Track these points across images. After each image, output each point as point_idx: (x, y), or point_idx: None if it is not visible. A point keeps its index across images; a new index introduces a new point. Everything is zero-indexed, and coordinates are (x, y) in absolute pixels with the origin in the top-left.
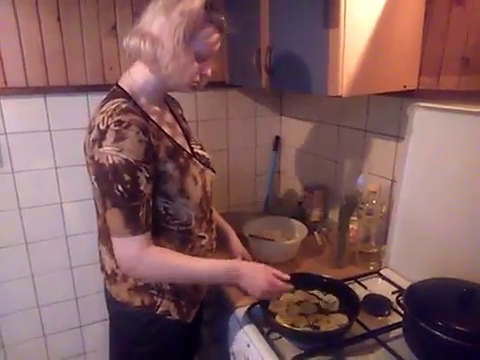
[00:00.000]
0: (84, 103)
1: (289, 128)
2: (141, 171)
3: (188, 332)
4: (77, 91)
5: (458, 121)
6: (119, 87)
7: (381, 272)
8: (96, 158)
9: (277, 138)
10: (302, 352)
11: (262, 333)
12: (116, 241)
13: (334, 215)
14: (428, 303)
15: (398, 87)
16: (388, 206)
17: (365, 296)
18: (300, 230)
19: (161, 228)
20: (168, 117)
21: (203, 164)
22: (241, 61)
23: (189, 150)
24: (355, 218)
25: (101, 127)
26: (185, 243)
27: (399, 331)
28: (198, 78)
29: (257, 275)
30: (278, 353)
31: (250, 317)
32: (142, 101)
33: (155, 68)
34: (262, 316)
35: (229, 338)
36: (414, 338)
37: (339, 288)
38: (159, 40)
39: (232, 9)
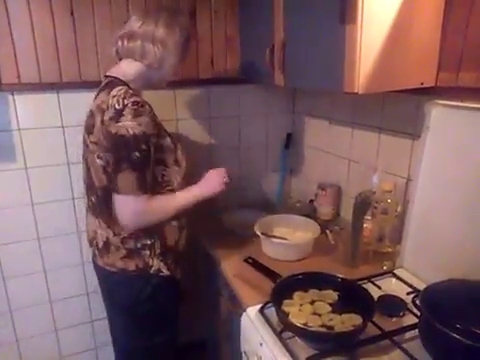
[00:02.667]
0: None
1: (301, 125)
2: (151, 143)
3: (177, 287)
4: (90, 87)
5: (477, 119)
6: (115, 77)
7: (395, 272)
8: (113, 131)
9: (289, 135)
10: (316, 352)
11: (275, 332)
12: (126, 198)
13: (346, 214)
14: (445, 305)
15: (415, 84)
16: (403, 205)
17: (379, 296)
18: (313, 229)
19: (154, 192)
20: None
21: None
22: (254, 58)
23: None
24: (369, 217)
25: (117, 107)
26: None
27: (414, 332)
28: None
29: (210, 177)
30: (291, 353)
31: (263, 316)
32: (134, 90)
33: (156, 65)
34: (275, 315)
35: (241, 337)
36: (430, 340)
37: (353, 288)
38: (166, 44)
39: (246, 5)
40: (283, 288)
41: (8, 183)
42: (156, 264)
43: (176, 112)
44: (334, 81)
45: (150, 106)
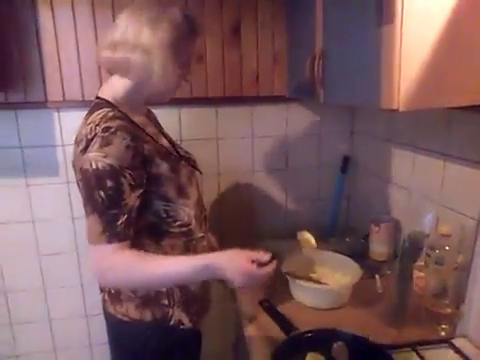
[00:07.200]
0: None
1: (361, 148)
2: (125, 178)
3: (199, 342)
4: None
5: None
6: (101, 99)
7: (453, 341)
8: (78, 165)
9: (346, 158)
10: None
11: None
12: (91, 248)
13: None
14: None
15: (478, 99)
16: (472, 253)
17: None
18: (353, 271)
19: (164, 232)
20: (151, 124)
21: (191, 166)
22: (300, 74)
23: (176, 154)
24: (422, 263)
25: (89, 136)
26: (188, 245)
27: None
28: (181, 84)
29: (235, 266)
30: None
31: None
32: (126, 109)
33: (145, 77)
34: None
35: None
36: None
37: (381, 357)
38: (150, 51)
39: (294, 18)
40: (291, 348)
41: (51, 197)
42: (177, 314)
43: (216, 131)
44: (371, 95)
45: (132, 131)
